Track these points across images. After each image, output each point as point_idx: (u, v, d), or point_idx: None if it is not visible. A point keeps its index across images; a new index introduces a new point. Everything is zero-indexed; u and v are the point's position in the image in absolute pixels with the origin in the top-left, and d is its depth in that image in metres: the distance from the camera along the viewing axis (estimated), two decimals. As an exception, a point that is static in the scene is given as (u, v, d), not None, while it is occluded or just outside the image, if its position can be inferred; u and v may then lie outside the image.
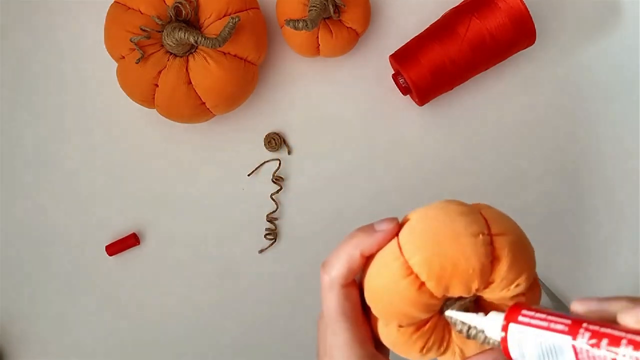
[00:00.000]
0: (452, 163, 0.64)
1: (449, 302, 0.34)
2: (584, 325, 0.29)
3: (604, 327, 0.28)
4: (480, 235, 0.31)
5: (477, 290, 0.32)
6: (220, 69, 0.57)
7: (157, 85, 0.58)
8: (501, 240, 0.32)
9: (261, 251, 0.64)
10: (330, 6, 0.58)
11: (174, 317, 0.64)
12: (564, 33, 0.65)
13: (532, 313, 0.31)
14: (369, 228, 0.36)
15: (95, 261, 0.64)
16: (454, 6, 0.61)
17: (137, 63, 0.57)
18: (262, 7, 0.61)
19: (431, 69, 0.59)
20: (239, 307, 0.64)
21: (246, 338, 0.64)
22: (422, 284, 0.32)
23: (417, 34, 0.62)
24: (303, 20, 0.55)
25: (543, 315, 0.31)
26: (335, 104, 0.65)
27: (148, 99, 0.59)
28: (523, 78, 0.64)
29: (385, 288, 0.33)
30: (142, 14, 0.57)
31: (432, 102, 0.63)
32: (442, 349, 0.35)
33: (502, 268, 0.32)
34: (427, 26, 0.62)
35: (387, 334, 0.36)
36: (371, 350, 0.36)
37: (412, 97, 0.64)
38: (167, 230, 0.64)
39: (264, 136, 0.64)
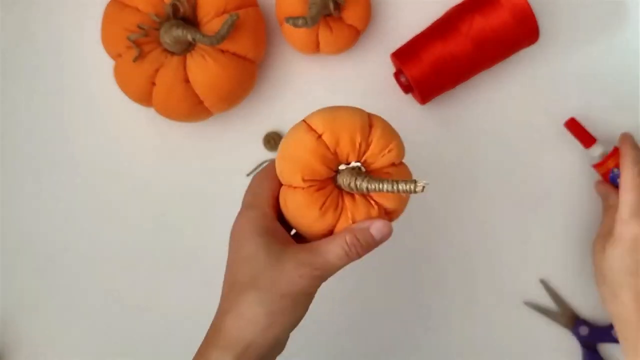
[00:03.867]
0: (454, 162, 0.64)
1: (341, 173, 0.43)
2: None
3: None
4: (362, 112, 0.43)
5: (360, 146, 0.42)
6: (218, 67, 0.56)
7: (154, 84, 0.57)
8: (376, 119, 0.43)
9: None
10: (331, 3, 0.57)
11: (175, 317, 0.64)
12: (567, 31, 0.64)
13: None
14: None
15: (95, 261, 0.64)
16: (456, 4, 0.61)
17: (134, 61, 0.56)
18: (261, 4, 0.61)
19: (433, 67, 0.59)
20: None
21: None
22: (320, 135, 0.42)
23: (419, 32, 0.61)
24: (303, 17, 0.55)
25: None
26: (335, 103, 0.64)
27: (145, 98, 0.58)
28: (526, 76, 0.64)
29: (292, 145, 0.43)
30: (139, 11, 0.56)
31: (434, 100, 0.63)
32: (337, 212, 0.43)
33: (377, 132, 0.42)
34: (429, 24, 0.61)
35: (293, 196, 0.43)
36: (275, 216, 0.44)
37: (413, 96, 0.63)
38: (165, 229, 0.64)
39: (263, 135, 0.64)
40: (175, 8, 0.56)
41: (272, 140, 0.63)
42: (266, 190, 0.44)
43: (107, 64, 0.60)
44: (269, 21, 0.63)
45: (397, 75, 0.61)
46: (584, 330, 0.61)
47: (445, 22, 0.60)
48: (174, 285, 0.64)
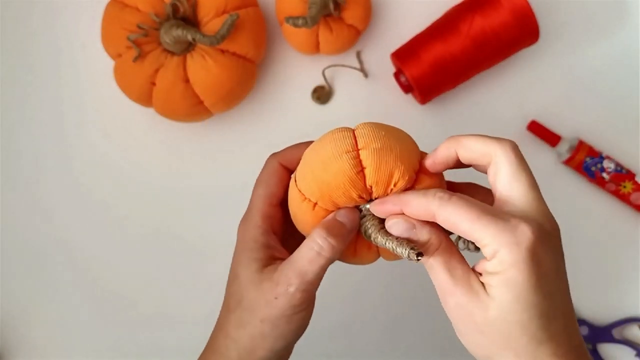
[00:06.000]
0: (454, 163, 0.63)
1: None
2: None
3: None
4: (345, 154, 0.38)
5: (361, 198, 0.39)
6: (218, 67, 0.56)
7: (154, 84, 0.57)
8: (365, 152, 0.38)
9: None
10: (331, 3, 0.57)
11: (176, 318, 0.63)
12: (567, 30, 0.64)
13: None
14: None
15: (95, 261, 0.64)
16: (456, 4, 0.60)
17: (134, 61, 0.56)
18: (261, 5, 0.61)
19: (433, 67, 0.59)
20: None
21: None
22: (315, 204, 0.40)
23: (419, 32, 0.61)
24: (303, 17, 0.55)
25: None
26: (335, 103, 0.64)
27: (145, 98, 0.58)
28: (526, 76, 0.64)
29: (294, 211, 0.41)
30: (139, 11, 0.56)
31: (434, 100, 0.62)
32: (372, 250, 0.42)
33: (370, 174, 0.38)
34: (429, 24, 0.61)
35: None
36: (267, 228, 0.42)
37: (413, 96, 0.63)
38: (165, 230, 0.64)
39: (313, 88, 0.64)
40: (175, 8, 0.56)
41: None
42: (260, 198, 0.43)
43: (107, 64, 0.60)
44: (269, 21, 0.63)
45: (397, 75, 0.61)
46: (584, 330, 0.61)
47: (445, 22, 0.60)
48: (175, 285, 0.64)
